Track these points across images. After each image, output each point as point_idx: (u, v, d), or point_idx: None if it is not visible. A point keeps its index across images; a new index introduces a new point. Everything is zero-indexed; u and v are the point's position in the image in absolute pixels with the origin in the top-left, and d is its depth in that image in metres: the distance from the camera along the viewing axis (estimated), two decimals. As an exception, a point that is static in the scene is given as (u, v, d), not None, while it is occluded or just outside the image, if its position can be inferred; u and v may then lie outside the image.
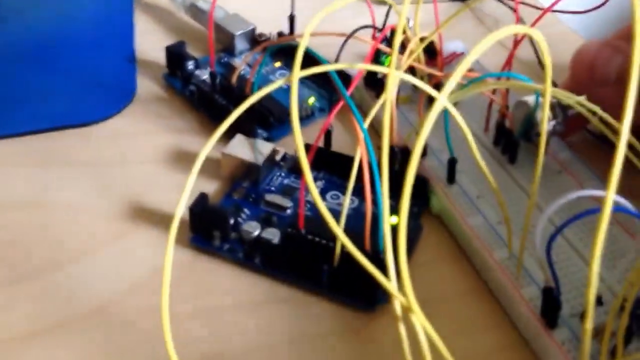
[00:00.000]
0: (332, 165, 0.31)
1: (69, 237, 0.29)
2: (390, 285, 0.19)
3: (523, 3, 0.41)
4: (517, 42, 0.30)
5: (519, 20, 0.32)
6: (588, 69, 0.31)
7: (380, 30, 0.33)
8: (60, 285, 0.27)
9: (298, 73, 0.20)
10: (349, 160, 0.26)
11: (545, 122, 0.24)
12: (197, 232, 0.28)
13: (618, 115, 0.29)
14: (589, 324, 0.20)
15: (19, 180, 0.31)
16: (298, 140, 0.17)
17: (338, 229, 0.18)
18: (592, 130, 0.34)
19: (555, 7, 0.40)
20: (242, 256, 0.28)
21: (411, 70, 0.33)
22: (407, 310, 0.19)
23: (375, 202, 0.25)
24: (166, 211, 0.30)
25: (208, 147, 0.21)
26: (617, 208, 0.21)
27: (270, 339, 0.26)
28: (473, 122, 0.34)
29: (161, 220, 0.29)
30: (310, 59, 0.37)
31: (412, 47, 0.30)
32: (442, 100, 0.17)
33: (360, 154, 0.24)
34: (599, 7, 0.37)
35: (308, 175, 0.17)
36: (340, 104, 0.26)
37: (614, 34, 0.33)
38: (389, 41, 0.35)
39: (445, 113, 0.29)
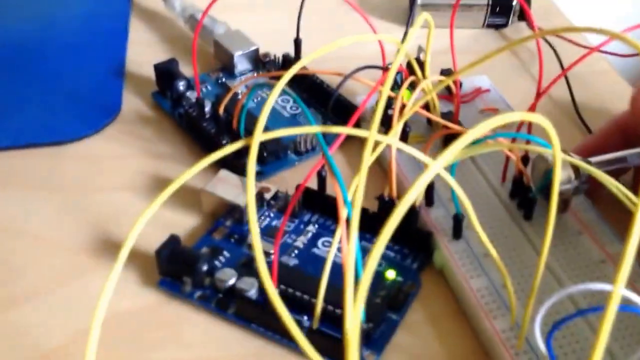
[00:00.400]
0: (325, 209, 0.28)
1: (25, 270, 0.27)
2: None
3: (565, 39, 0.38)
4: (538, 95, 0.27)
5: (541, 52, 0.29)
6: None
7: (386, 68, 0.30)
8: (8, 326, 0.24)
9: (259, 137, 0.18)
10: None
11: (556, 190, 0.21)
12: (166, 275, 0.26)
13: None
14: None
15: None
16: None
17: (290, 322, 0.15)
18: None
19: (587, 43, 0.37)
20: (214, 306, 0.25)
21: (426, 107, 0.30)
22: None
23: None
24: (135, 247, 0.27)
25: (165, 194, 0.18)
26: (624, 307, 0.18)
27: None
28: (490, 170, 0.31)
29: (128, 257, 0.26)
30: (316, 87, 0.34)
31: (424, 87, 0.27)
32: (436, 168, 0.14)
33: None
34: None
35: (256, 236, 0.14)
36: (338, 141, 0.23)
37: None
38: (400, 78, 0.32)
39: (452, 167, 0.25)
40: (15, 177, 0.30)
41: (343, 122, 0.27)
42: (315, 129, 0.20)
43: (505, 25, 0.41)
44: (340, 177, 0.22)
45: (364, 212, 0.28)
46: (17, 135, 0.31)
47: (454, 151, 0.14)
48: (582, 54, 0.35)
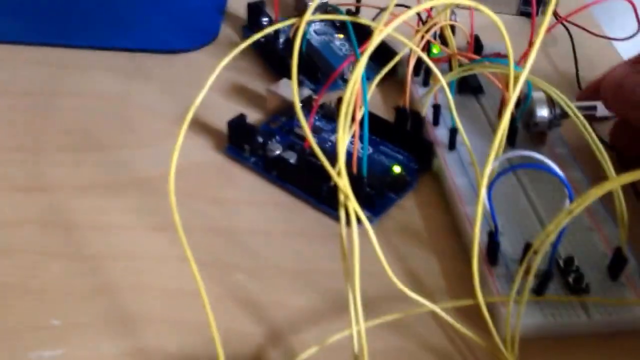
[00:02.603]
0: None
1: (136, 127, 0.37)
2: (336, 175, 0.25)
3: (576, 25, 0.45)
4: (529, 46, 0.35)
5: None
6: (615, 89, 0.34)
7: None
8: (120, 159, 0.35)
9: (307, 18, 0.27)
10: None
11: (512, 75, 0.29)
12: (232, 143, 0.35)
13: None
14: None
15: (108, 80, 0.40)
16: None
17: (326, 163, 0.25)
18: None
19: (603, 33, 0.45)
20: (263, 168, 0.35)
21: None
22: (346, 198, 0.25)
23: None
24: (213, 126, 0.37)
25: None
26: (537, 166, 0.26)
27: (270, 228, 0.32)
28: (490, 109, 0.39)
29: (208, 131, 0.37)
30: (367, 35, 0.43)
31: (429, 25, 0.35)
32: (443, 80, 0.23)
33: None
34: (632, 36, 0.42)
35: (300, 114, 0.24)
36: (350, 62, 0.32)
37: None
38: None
39: (452, 84, 0.34)
40: (138, 71, 0.41)
41: (381, 65, 0.36)
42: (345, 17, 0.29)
43: (535, 14, 0.49)
44: (365, 81, 0.30)
45: (382, 121, 0.37)
46: (143, 42, 0.43)
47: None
48: (593, 40, 0.44)
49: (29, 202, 0.32)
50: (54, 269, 0.29)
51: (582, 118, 0.32)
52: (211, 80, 0.27)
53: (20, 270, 0.29)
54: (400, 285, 0.26)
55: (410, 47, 0.33)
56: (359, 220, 0.25)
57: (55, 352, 0.26)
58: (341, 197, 0.25)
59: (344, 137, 0.26)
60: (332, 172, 0.25)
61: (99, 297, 0.28)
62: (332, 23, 0.45)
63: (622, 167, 0.33)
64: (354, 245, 0.24)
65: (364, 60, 0.26)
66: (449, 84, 0.34)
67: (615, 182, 0.26)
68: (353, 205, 0.25)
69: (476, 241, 0.26)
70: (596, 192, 0.25)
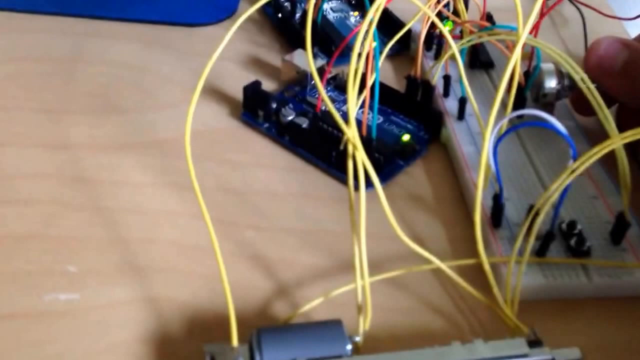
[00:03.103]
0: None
1: (154, 94, 0.39)
2: (345, 128, 0.26)
3: (588, 6, 0.46)
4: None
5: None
6: (597, 59, 0.35)
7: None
8: (139, 122, 0.36)
9: None
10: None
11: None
12: (247, 109, 0.37)
13: (623, 101, 0.34)
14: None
15: (130, 50, 0.42)
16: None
17: (336, 115, 0.26)
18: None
19: (612, 13, 0.46)
20: (275, 133, 0.36)
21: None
22: (354, 148, 0.26)
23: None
24: (230, 95, 0.38)
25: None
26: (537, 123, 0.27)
27: (280, 190, 0.33)
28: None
29: (225, 99, 0.38)
30: (388, 18, 0.44)
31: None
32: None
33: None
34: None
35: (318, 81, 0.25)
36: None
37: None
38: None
39: (462, 52, 0.35)
40: (158, 42, 0.43)
41: (389, 37, 0.36)
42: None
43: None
44: (378, 50, 0.31)
45: (393, 91, 0.38)
46: (163, 15, 0.44)
47: None
48: (605, 22, 0.44)
49: (51, 158, 0.34)
50: (71, 220, 0.31)
51: (588, 82, 0.32)
52: (225, 41, 0.28)
53: (39, 219, 0.31)
54: (405, 239, 0.27)
55: (422, 10, 0.33)
56: (367, 181, 0.25)
57: (70, 296, 0.27)
58: (350, 149, 0.26)
59: (354, 92, 0.27)
60: (342, 123, 0.26)
61: (114, 247, 0.29)
62: (348, 1, 0.46)
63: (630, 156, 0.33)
64: (361, 194, 0.25)
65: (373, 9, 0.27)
66: (460, 52, 0.34)
67: (618, 139, 0.26)
68: (361, 155, 0.26)
69: (479, 192, 0.27)
70: (599, 150, 0.26)
